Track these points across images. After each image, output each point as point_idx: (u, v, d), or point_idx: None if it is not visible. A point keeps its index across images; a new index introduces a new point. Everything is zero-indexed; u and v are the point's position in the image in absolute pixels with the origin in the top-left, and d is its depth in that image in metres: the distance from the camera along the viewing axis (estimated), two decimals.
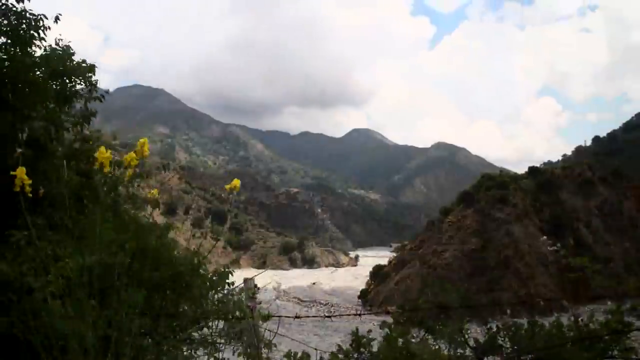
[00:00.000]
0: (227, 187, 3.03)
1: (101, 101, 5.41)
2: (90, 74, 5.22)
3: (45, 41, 5.04)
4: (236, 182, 3.04)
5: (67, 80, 5.03)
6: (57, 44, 5.10)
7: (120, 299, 2.52)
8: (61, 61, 4.90)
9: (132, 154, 2.77)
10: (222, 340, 2.98)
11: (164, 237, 2.98)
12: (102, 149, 2.61)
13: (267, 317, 3.06)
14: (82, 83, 5.22)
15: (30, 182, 2.36)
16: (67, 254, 2.55)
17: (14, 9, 4.89)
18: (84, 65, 5.15)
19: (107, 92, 5.57)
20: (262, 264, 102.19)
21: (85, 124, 5.23)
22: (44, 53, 4.91)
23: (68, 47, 5.10)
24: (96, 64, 5.27)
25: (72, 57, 5.09)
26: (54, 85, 4.88)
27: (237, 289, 3.15)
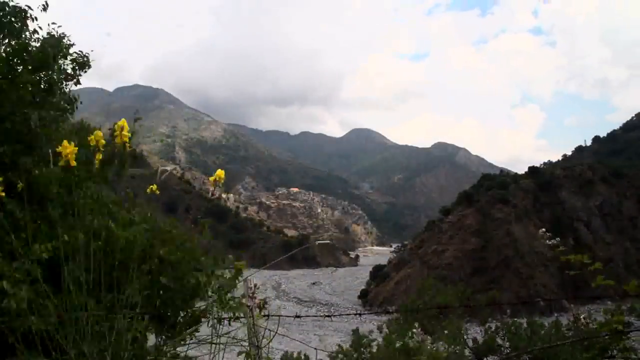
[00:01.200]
0: (212, 178, 2.91)
1: (84, 67, 5.14)
2: (68, 52, 4.98)
3: (38, 32, 4.89)
4: (220, 173, 2.90)
5: (50, 71, 4.82)
6: (49, 33, 4.93)
7: (117, 297, 2.49)
8: (42, 46, 4.72)
9: (99, 133, 2.53)
10: (221, 341, 2.97)
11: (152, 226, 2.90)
12: (65, 142, 2.40)
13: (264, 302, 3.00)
14: (66, 67, 5.02)
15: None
16: (44, 236, 2.48)
17: None
18: (62, 39, 4.91)
19: (88, 58, 5.24)
20: (262, 264, 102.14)
21: (70, 111, 5.05)
22: (22, 42, 4.73)
23: (53, 34, 4.92)
24: (89, 54, 5.13)
25: (61, 42, 4.90)
26: (36, 78, 4.72)
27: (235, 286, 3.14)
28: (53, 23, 4.97)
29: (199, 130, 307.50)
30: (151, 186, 3.31)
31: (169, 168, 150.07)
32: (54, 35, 4.96)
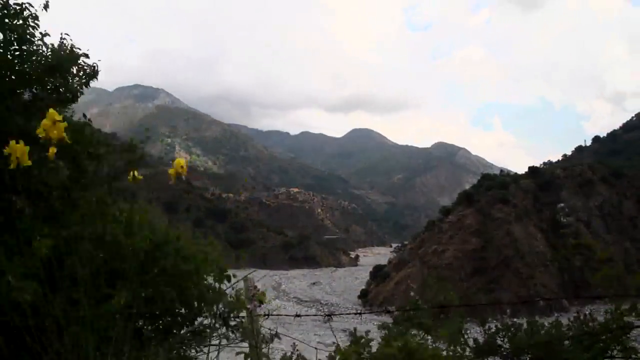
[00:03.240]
0: (171, 170, 2.52)
1: (92, 78, 5.28)
2: (81, 62, 5.08)
3: (36, 30, 4.92)
4: (180, 162, 2.54)
5: (60, 76, 4.91)
6: (61, 40, 5.04)
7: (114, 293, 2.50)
8: (56, 55, 4.80)
9: (46, 122, 2.34)
10: (221, 341, 2.97)
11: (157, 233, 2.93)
12: (12, 142, 2.21)
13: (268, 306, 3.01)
14: (76, 75, 5.11)
15: None
16: (45, 232, 2.50)
17: None
18: (75, 53, 5.02)
19: (95, 69, 5.36)
20: (262, 264, 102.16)
21: (72, 101, 5.10)
22: (35, 48, 4.79)
23: (64, 41, 5.04)
24: (92, 59, 5.22)
25: (68, 48, 4.99)
26: (47, 80, 4.79)
27: (236, 287, 3.14)
28: (66, 34, 5.07)
29: (199, 130, 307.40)
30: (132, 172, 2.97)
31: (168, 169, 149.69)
32: (65, 45, 5.03)
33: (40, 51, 4.84)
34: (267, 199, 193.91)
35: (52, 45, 5.01)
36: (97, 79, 5.39)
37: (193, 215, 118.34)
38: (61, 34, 5.07)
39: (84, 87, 5.28)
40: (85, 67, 5.23)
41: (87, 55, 5.13)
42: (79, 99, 5.24)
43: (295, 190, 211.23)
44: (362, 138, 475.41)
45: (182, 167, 2.40)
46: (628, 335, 4.32)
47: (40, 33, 4.95)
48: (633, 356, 4.41)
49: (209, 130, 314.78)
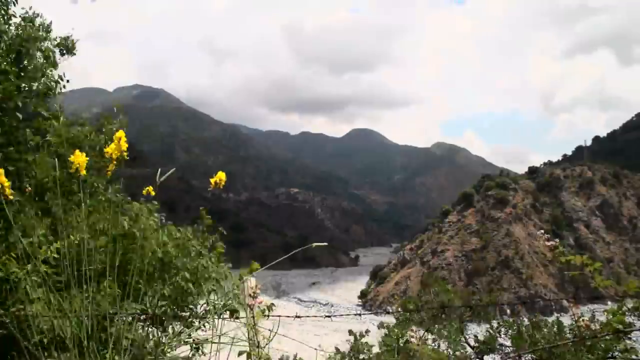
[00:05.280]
0: (213, 180, 2.97)
1: (72, 53, 5.04)
2: (48, 38, 4.75)
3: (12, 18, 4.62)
4: (221, 175, 2.95)
5: (25, 54, 4.53)
6: (26, 15, 4.68)
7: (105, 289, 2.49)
8: (20, 34, 4.48)
9: (114, 145, 2.59)
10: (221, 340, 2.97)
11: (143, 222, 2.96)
12: (77, 152, 2.45)
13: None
14: (44, 51, 4.73)
15: (9, 183, 2.26)
16: (52, 240, 2.51)
17: None
18: (39, 25, 4.67)
19: (73, 43, 5.12)
20: (263, 264, 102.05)
21: (53, 93, 4.88)
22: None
23: (28, 15, 4.69)
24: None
25: (35, 24, 4.65)
26: (10, 60, 4.42)
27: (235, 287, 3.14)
28: (30, 8, 4.76)
29: (199, 130, 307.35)
30: (147, 188, 3.33)
31: (169, 169, 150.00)
32: (29, 18, 4.73)
33: (8, 32, 4.50)
34: (267, 199, 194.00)
35: (19, 24, 4.62)
36: (74, 53, 5.13)
37: (193, 215, 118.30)
38: (23, 8, 4.70)
39: (53, 67, 4.93)
40: (61, 42, 4.97)
41: (49, 30, 4.74)
42: (63, 83, 4.99)
43: (295, 190, 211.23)
44: (362, 138, 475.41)
45: (220, 179, 2.79)
46: (629, 336, 4.31)
47: (10, 15, 4.56)
48: (634, 357, 4.40)
49: (209, 130, 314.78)
